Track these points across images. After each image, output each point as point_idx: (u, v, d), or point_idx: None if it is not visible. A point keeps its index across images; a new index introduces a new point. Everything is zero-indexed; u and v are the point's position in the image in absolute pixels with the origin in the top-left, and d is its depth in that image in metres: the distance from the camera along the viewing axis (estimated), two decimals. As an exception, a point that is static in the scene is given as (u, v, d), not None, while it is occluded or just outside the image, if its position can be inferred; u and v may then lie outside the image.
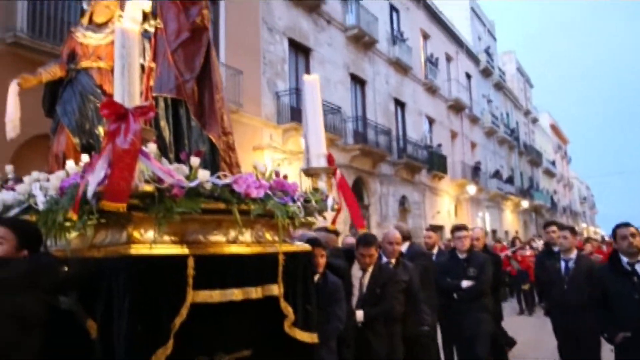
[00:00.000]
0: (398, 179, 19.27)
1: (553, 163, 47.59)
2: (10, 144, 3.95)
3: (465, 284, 5.18)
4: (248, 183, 2.58)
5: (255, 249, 2.77)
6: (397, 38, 20.53)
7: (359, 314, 4.07)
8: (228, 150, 3.21)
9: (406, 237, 5.31)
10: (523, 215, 36.05)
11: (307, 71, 14.66)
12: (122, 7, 3.43)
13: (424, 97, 23.03)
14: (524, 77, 43.46)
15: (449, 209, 23.73)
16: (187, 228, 2.52)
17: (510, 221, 32.86)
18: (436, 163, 22.06)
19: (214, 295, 2.46)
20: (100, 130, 3.14)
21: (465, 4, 30.73)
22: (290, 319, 2.82)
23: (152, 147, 2.40)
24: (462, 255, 5.35)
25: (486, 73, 31.64)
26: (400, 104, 20.81)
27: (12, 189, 2.79)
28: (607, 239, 15.85)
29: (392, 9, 21.07)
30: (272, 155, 12.36)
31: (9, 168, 3.22)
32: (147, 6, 3.20)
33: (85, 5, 3.67)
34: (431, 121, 23.69)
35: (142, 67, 3.02)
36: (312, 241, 3.44)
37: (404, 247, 5.10)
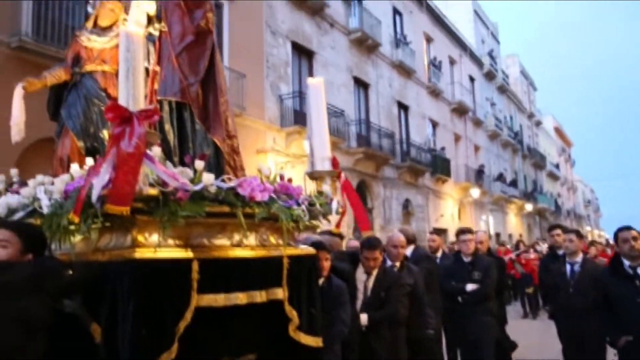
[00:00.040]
0: (401, 182, 19.25)
1: (557, 166, 47.47)
2: (15, 147, 3.96)
3: (470, 287, 5.16)
4: (252, 186, 2.58)
5: (260, 253, 2.75)
6: (400, 41, 20.53)
7: (363, 318, 4.06)
8: (232, 153, 3.21)
9: (411, 240, 5.30)
10: (527, 219, 35.94)
11: (310, 74, 14.66)
12: (126, 11, 3.44)
13: (428, 100, 23.02)
14: (528, 80, 43.41)
15: (452, 212, 23.68)
16: (191, 232, 2.51)
17: (514, 224, 32.76)
18: (439, 166, 22.03)
19: (219, 299, 2.46)
20: (105, 134, 3.13)
21: (468, 7, 30.74)
22: (294, 323, 2.81)
23: (156, 151, 2.40)
24: (466, 259, 5.33)
25: (490, 76, 31.61)
26: (403, 107, 20.80)
27: (17, 193, 2.80)
28: (611, 242, 15.78)
29: (396, 12, 21.09)
30: (275, 158, 12.37)
31: (13, 171, 3.22)
32: (152, 9, 3.20)
33: (90, 9, 3.68)
34: (434, 124, 23.66)
35: (147, 70, 3.03)
36: (316, 244, 3.42)
37: (408, 251, 5.09)
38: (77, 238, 2.43)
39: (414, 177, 20.08)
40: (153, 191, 2.26)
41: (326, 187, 3.10)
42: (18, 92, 3.44)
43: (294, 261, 2.86)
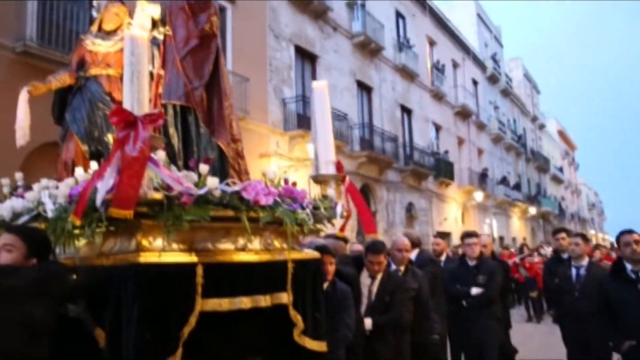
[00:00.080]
0: (405, 185, 19.22)
1: (561, 169, 47.34)
2: (20, 151, 3.96)
3: (475, 291, 5.14)
4: (257, 190, 2.57)
5: (264, 257, 2.75)
6: (403, 45, 20.54)
7: (368, 322, 4.03)
8: (237, 157, 3.20)
9: (416, 244, 5.27)
10: (531, 222, 35.84)
11: (314, 78, 14.66)
12: (131, 15, 3.44)
13: (431, 103, 23.01)
14: (531, 84, 43.36)
15: (456, 216, 23.63)
16: (195, 236, 2.50)
17: (517, 228, 32.67)
18: (443, 170, 22.00)
19: (223, 304, 2.45)
20: (109, 138, 3.14)
21: (471, 10, 30.75)
22: (299, 328, 2.80)
23: (161, 155, 2.39)
24: (471, 262, 5.30)
25: (493, 79, 31.59)
26: (406, 111, 20.79)
27: (22, 197, 2.80)
28: (615, 245, 15.68)
29: (398, 15, 21.11)
30: (278, 162, 12.36)
31: (18, 175, 3.23)
32: (156, 13, 3.20)
33: (94, 13, 3.69)
34: (438, 128, 23.65)
35: (151, 74, 3.02)
36: (321, 248, 3.41)
37: (413, 254, 5.07)
38: (82, 242, 2.43)
39: (417, 181, 20.06)
40: (157, 195, 2.26)
41: (331, 191, 3.09)
42: (23, 96, 3.44)
43: (299, 265, 2.85)
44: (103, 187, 2.18)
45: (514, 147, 33.58)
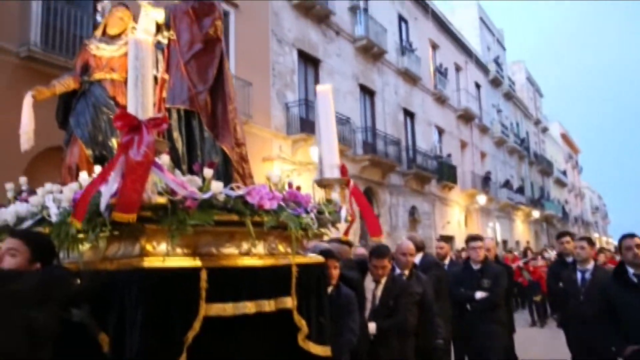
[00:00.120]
0: (408, 189, 19.20)
1: (564, 173, 47.23)
2: (24, 155, 3.97)
3: (479, 295, 5.12)
4: (261, 194, 2.56)
5: (269, 261, 2.73)
6: (406, 48, 20.56)
7: (372, 327, 4.02)
8: (241, 161, 3.20)
9: (420, 248, 5.25)
10: (534, 226, 35.73)
11: (317, 82, 14.68)
12: (135, 19, 3.45)
13: (434, 107, 23.00)
14: (534, 87, 43.31)
15: (459, 220, 23.58)
16: (199, 240, 2.50)
17: (521, 231, 32.58)
18: (446, 173, 21.97)
19: (227, 309, 2.43)
20: (113, 142, 3.13)
21: (474, 13, 30.77)
22: (304, 332, 2.78)
23: (165, 159, 2.39)
24: (476, 266, 5.28)
25: (495, 83, 31.57)
26: (409, 114, 20.79)
27: (26, 201, 2.80)
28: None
29: (401, 19, 21.13)
30: (281, 166, 12.37)
31: (22, 180, 3.23)
32: (161, 17, 3.20)
33: (99, 17, 3.70)
34: (441, 131, 23.62)
35: (155, 78, 3.03)
36: (325, 253, 3.39)
37: (417, 258, 5.05)
38: (86, 247, 2.43)
39: (420, 184, 20.03)
40: (161, 200, 2.25)
41: (335, 195, 3.08)
42: (27, 101, 3.45)
43: (303, 270, 2.84)
44: (107, 192, 2.18)
45: (517, 150, 33.53)
